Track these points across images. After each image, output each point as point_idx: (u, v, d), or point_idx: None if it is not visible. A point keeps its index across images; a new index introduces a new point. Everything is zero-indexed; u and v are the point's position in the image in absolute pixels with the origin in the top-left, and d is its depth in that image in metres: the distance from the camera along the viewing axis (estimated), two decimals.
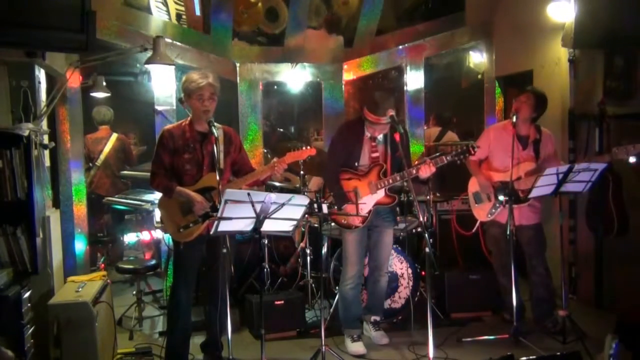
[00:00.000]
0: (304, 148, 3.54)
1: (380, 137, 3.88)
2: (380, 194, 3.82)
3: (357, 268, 3.92)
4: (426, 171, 3.61)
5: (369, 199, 3.82)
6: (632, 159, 3.69)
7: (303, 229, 4.79)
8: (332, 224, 4.56)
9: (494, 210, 4.14)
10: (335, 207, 3.79)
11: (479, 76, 6.68)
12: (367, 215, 3.84)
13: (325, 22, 6.79)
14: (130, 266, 4.61)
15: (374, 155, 3.87)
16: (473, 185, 4.31)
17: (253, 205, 2.92)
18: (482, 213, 4.24)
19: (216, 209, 3.16)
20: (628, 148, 3.66)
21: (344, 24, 7.01)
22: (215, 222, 2.91)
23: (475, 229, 4.37)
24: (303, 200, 3.08)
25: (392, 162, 3.85)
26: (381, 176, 3.80)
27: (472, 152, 3.60)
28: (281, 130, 7.62)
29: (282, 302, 4.23)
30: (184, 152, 3.47)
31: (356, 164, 3.86)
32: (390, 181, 3.75)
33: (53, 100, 3.83)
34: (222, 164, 3.49)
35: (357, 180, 3.83)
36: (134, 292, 4.58)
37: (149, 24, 5.30)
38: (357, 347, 3.91)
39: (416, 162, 3.72)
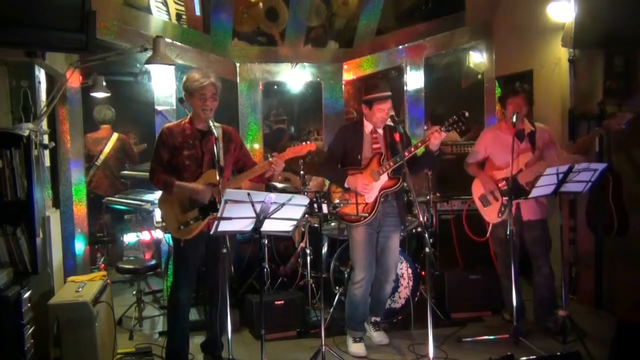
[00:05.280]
0: (304, 143, 3.55)
1: (380, 130, 3.91)
2: (384, 179, 3.83)
3: (367, 274, 3.89)
4: (437, 138, 3.63)
5: (374, 187, 3.83)
6: (623, 126, 3.78)
7: (303, 229, 4.79)
8: (332, 223, 4.59)
9: (503, 209, 4.11)
10: (342, 205, 3.79)
11: (479, 76, 6.68)
12: (374, 203, 3.83)
13: (312, 39, 6.79)
14: (130, 266, 4.61)
15: (375, 146, 3.90)
16: (477, 189, 4.29)
17: (253, 205, 2.92)
18: (492, 215, 4.19)
19: (216, 207, 3.16)
20: (618, 119, 3.76)
21: (342, 25, 7.02)
22: (215, 222, 2.92)
23: (488, 233, 4.31)
24: (303, 200, 3.08)
25: (392, 149, 3.85)
26: (382, 163, 3.82)
27: (464, 119, 3.59)
28: (285, 130, 7.64)
29: (282, 302, 4.23)
30: (184, 149, 3.48)
31: (359, 157, 3.88)
32: (392, 164, 3.76)
33: (53, 100, 3.82)
34: (222, 161, 3.49)
35: (360, 174, 3.84)
36: (134, 292, 4.58)
37: (149, 24, 5.30)
38: (358, 349, 3.91)
39: (417, 143, 3.74)
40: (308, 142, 3.60)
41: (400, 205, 3.97)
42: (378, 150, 3.89)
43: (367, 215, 3.82)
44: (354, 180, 3.81)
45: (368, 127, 3.93)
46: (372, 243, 3.92)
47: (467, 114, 3.60)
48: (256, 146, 5.59)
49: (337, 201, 3.83)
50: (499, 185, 4.14)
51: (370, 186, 3.80)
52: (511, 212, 3.86)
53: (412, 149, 3.69)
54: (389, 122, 3.80)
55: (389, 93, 3.81)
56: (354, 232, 3.89)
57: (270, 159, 3.49)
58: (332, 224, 4.63)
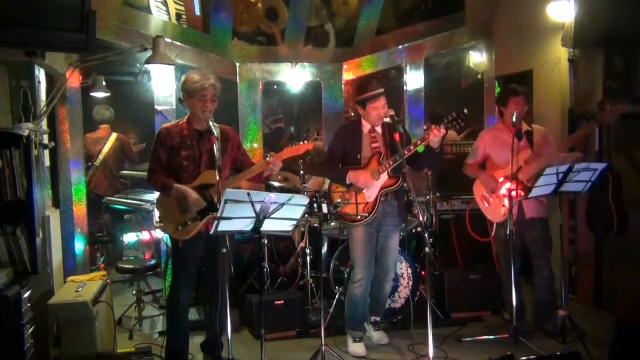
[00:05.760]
0: (301, 143, 3.56)
1: (379, 129, 3.92)
2: (384, 178, 3.83)
3: (367, 273, 3.90)
4: (436, 135, 3.60)
5: (373, 187, 3.83)
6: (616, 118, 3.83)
7: (303, 229, 4.79)
8: (332, 223, 4.59)
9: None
10: (342, 205, 3.80)
11: (479, 76, 6.67)
12: (375, 202, 3.82)
13: (312, 39, 6.79)
14: (130, 266, 4.61)
15: (375, 145, 3.91)
16: (478, 190, 4.28)
17: (253, 205, 2.92)
18: (496, 214, 4.18)
19: (216, 207, 3.15)
20: (611, 111, 3.79)
21: (342, 25, 7.01)
22: (215, 222, 2.92)
23: (493, 234, 4.28)
24: (303, 200, 3.08)
25: (392, 148, 3.86)
26: (382, 162, 3.82)
27: (463, 116, 3.57)
28: (285, 130, 7.63)
29: (282, 302, 4.23)
30: (182, 150, 3.48)
31: (358, 156, 3.89)
32: (391, 163, 3.76)
33: (53, 100, 3.82)
34: (220, 162, 3.49)
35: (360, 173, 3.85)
36: (134, 292, 4.58)
37: (149, 24, 5.30)
38: (358, 349, 3.91)
39: (417, 141, 3.72)
40: (306, 142, 3.60)
41: (401, 205, 3.97)
42: (377, 149, 3.90)
43: (367, 215, 3.82)
44: (356, 175, 3.81)
45: (366, 126, 3.95)
46: (372, 242, 3.92)
47: (466, 111, 3.60)
48: (256, 146, 5.58)
49: (338, 200, 3.83)
50: (500, 184, 4.14)
51: (372, 183, 3.81)
52: (512, 211, 3.85)
53: (412, 147, 3.69)
54: (388, 120, 3.80)
55: (381, 90, 3.84)
56: (354, 232, 3.89)
57: (268, 159, 3.50)
58: (332, 224, 4.62)
